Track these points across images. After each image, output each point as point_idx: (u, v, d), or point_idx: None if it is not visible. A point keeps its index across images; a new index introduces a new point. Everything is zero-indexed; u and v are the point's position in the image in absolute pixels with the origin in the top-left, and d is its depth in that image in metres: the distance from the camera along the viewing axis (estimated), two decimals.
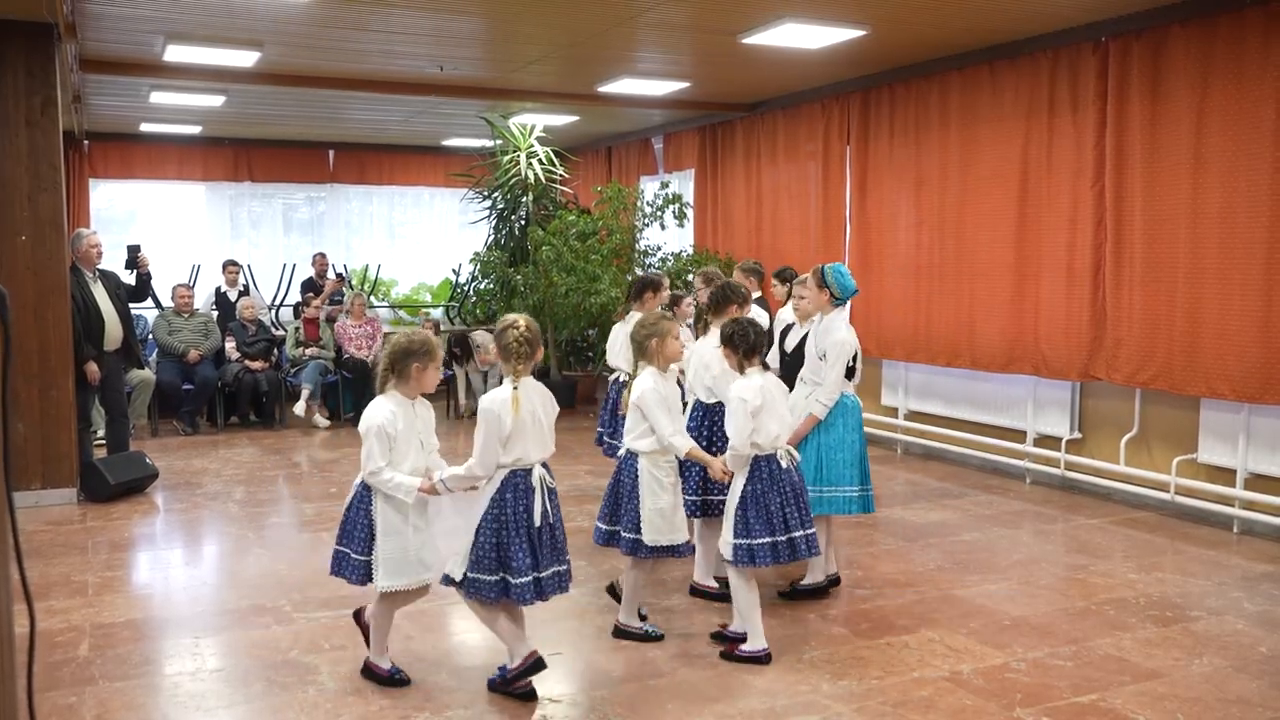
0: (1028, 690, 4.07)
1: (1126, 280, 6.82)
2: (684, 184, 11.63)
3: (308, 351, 10.41)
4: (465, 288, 12.16)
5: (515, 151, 11.21)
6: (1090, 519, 6.69)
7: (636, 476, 4.38)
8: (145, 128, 11.94)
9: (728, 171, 10.93)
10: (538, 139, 11.31)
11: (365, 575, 3.96)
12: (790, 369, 5.60)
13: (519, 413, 3.82)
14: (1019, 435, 7.82)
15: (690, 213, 11.09)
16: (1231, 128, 6.16)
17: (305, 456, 8.87)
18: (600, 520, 4.55)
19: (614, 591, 4.99)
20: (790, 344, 5.73)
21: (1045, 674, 4.24)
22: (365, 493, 3.99)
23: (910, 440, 8.88)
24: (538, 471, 3.91)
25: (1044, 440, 7.67)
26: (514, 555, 3.84)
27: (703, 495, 5.01)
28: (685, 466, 4.75)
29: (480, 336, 11.05)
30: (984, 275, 7.82)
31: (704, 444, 4.91)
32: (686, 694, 4.05)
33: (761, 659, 4.30)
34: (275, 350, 10.45)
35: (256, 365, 10.11)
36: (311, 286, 11.61)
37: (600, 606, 5.02)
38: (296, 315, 10.94)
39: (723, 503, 4.65)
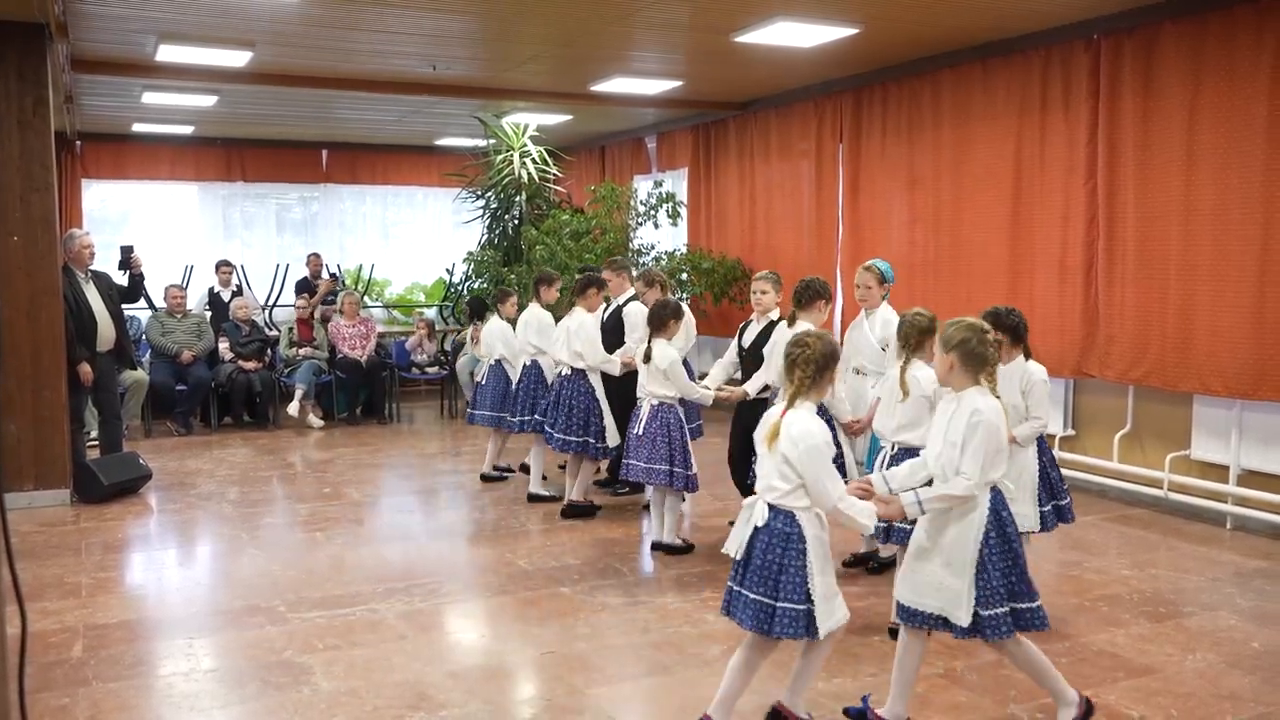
0: (1022, 687, 4.07)
1: (1119, 277, 6.84)
2: (677, 183, 11.62)
3: (301, 352, 10.39)
4: (459, 287, 12.15)
5: (509, 151, 11.20)
6: (1084, 515, 6.69)
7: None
8: (137, 128, 11.90)
9: (721, 170, 10.94)
10: (531, 138, 11.30)
11: (808, 625, 3.36)
12: (748, 364, 5.82)
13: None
14: None
15: (684, 212, 11.09)
16: (1223, 124, 6.17)
17: (299, 457, 8.86)
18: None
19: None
20: (748, 340, 5.88)
21: None
22: (795, 529, 3.38)
23: None
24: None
25: None
26: (1023, 578, 3.48)
27: None
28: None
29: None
30: (978, 273, 7.84)
31: None
32: (681, 692, 4.05)
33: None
34: (269, 350, 10.44)
35: (250, 365, 10.09)
36: (306, 287, 11.59)
37: (593, 605, 5.02)
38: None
39: None
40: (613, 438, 6.55)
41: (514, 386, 7.42)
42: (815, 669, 3.61)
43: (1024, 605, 3.47)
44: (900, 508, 3.45)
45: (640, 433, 5.83)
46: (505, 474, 7.81)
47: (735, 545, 3.49)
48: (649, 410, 5.83)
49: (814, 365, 3.44)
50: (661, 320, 5.81)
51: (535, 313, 7.28)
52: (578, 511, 6.66)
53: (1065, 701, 3.62)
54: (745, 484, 5.78)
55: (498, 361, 7.70)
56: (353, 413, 10.54)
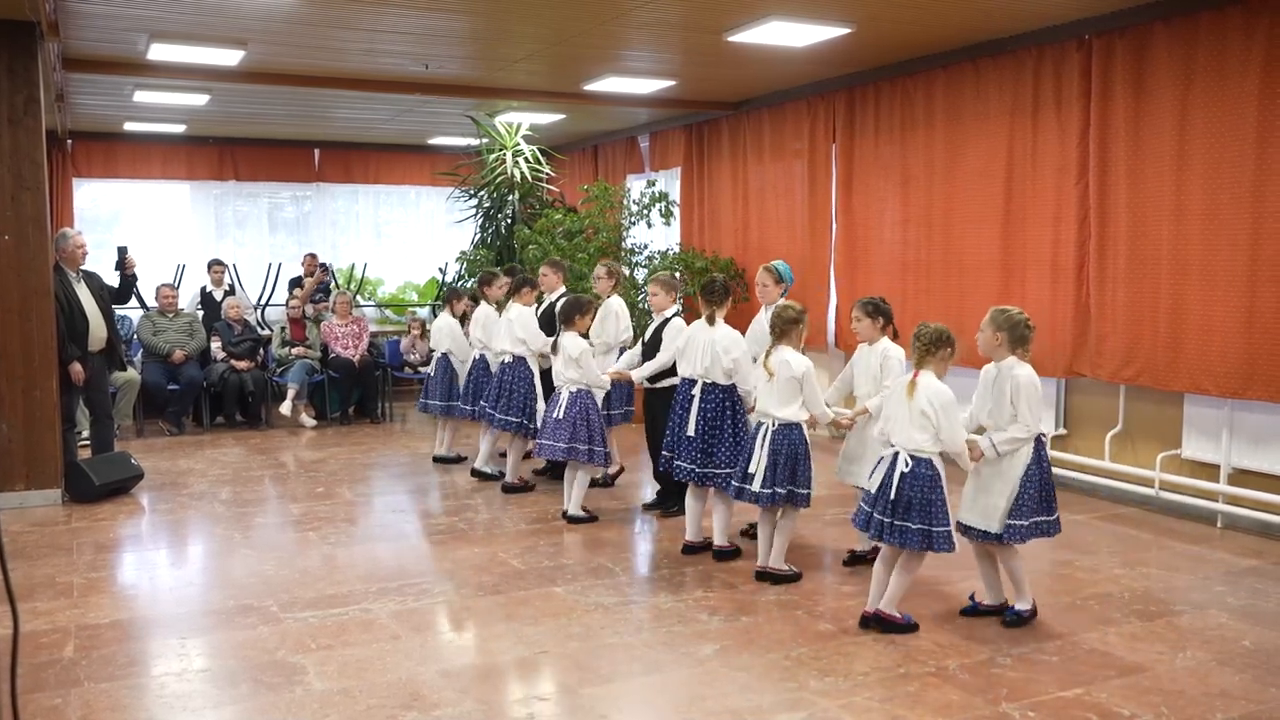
0: (1014, 685, 4.09)
1: (1110, 277, 6.86)
2: (670, 182, 11.63)
3: (294, 351, 10.38)
4: (452, 286, 12.13)
5: (501, 150, 11.18)
6: (1075, 514, 6.72)
7: (806, 442, 5.19)
8: (129, 127, 11.87)
9: (714, 170, 10.94)
10: (524, 137, 11.29)
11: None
12: (648, 355, 6.42)
13: None
14: None
15: (677, 211, 11.10)
16: (1214, 124, 6.20)
17: (291, 456, 8.84)
18: (780, 485, 5.13)
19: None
20: (648, 334, 6.54)
21: (1031, 669, 4.26)
22: (934, 471, 4.48)
23: None
24: None
25: None
26: (1049, 499, 4.65)
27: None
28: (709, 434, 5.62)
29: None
30: (970, 272, 7.85)
31: (728, 423, 5.62)
32: (674, 690, 4.06)
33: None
34: (261, 350, 10.42)
35: (242, 365, 10.07)
36: (300, 285, 11.56)
37: (586, 605, 5.02)
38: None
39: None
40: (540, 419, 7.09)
41: (465, 378, 8.10)
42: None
43: (1044, 519, 4.62)
44: (981, 451, 4.57)
45: (560, 416, 6.40)
46: (460, 460, 8.34)
47: (876, 484, 4.54)
48: (568, 396, 6.42)
49: (927, 340, 4.54)
50: (569, 316, 6.50)
51: (483, 310, 7.97)
52: (515, 490, 7.32)
53: (1026, 597, 4.74)
54: (658, 468, 6.26)
55: (445, 354, 8.37)
56: (345, 412, 10.53)
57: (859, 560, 5.64)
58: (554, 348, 6.57)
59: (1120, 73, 6.71)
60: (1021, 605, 4.74)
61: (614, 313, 7.27)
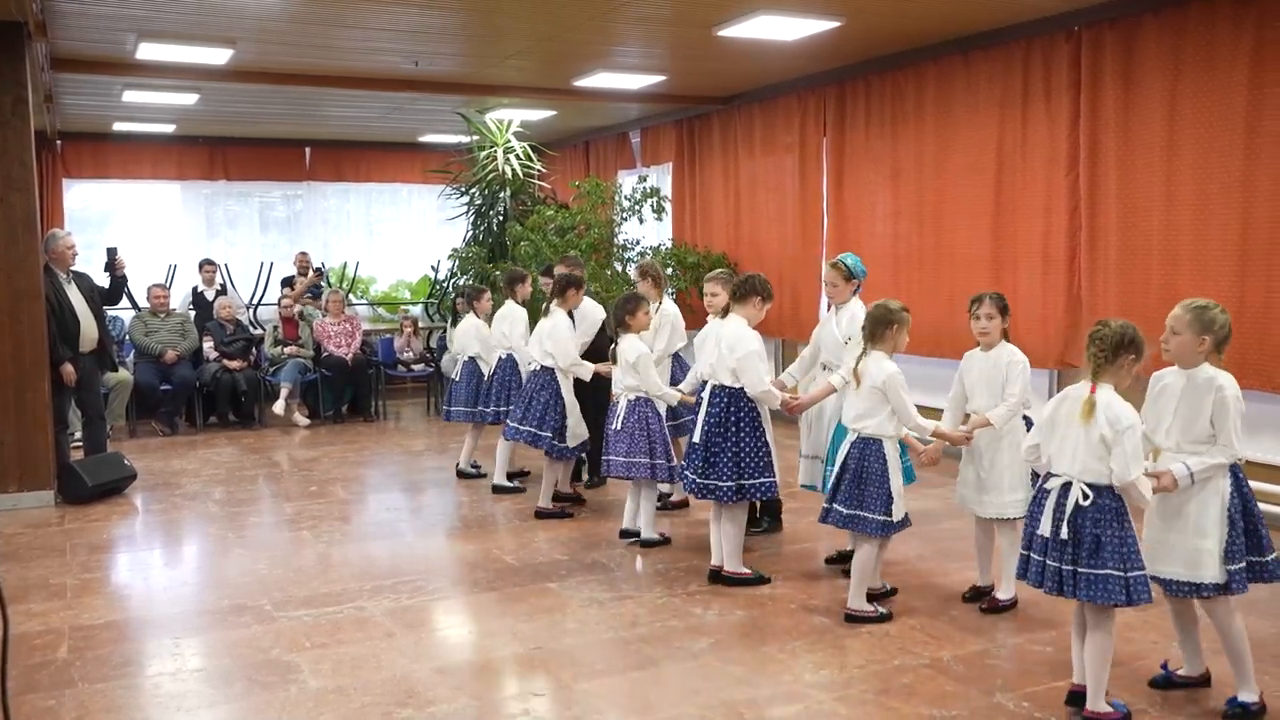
0: (1008, 676, 4.10)
1: (1101, 267, 6.87)
2: (662, 178, 11.62)
3: (286, 350, 10.36)
4: (444, 284, 12.12)
5: (492, 147, 11.17)
6: None
7: (885, 460, 4.58)
8: (119, 127, 11.83)
9: (705, 165, 10.94)
10: (515, 134, 11.27)
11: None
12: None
13: None
14: None
15: (668, 206, 11.10)
16: (1204, 115, 6.21)
17: (285, 455, 8.83)
18: (842, 504, 4.63)
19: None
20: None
21: (1025, 660, 4.27)
22: (1118, 502, 3.59)
23: None
24: None
25: None
26: (1256, 533, 3.76)
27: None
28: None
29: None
30: (961, 264, 7.86)
31: (732, 431, 5.12)
32: (669, 685, 4.06)
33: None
34: (254, 349, 10.40)
35: (235, 365, 10.05)
36: (292, 284, 11.55)
37: (580, 600, 5.02)
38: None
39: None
40: (574, 438, 6.55)
41: (487, 380, 7.57)
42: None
43: (1256, 559, 3.72)
44: (1173, 479, 3.63)
45: (619, 428, 5.83)
46: (482, 472, 7.78)
47: (1048, 526, 3.65)
48: (626, 405, 5.85)
49: (1108, 344, 3.60)
50: (620, 318, 5.90)
51: (510, 309, 7.48)
52: (547, 515, 6.61)
53: (1251, 684, 3.81)
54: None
55: (471, 358, 7.85)
56: (338, 411, 10.52)
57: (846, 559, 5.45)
58: (612, 355, 5.98)
59: (1109, 64, 6.72)
60: (1246, 695, 3.80)
61: (670, 323, 6.56)
